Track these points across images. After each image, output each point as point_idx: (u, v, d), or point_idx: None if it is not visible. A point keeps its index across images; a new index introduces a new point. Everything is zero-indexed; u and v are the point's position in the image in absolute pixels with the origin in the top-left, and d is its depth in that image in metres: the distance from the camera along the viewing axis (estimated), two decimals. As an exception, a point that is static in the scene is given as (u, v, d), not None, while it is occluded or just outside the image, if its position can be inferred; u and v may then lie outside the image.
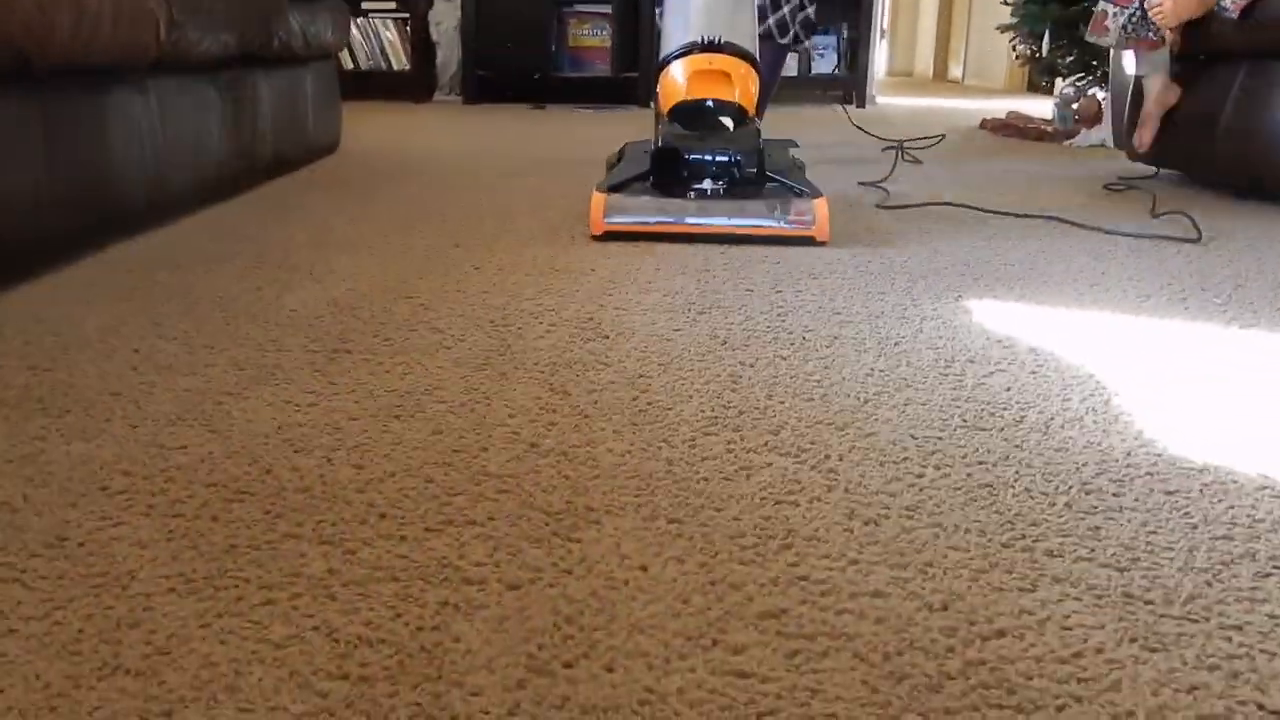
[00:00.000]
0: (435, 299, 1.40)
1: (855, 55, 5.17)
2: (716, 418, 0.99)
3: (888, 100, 5.86)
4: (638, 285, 1.50)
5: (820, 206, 1.77)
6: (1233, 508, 0.81)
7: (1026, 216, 2.10)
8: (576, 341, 1.22)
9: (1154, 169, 2.70)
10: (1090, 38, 2.69)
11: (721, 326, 1.29)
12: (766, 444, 0.92)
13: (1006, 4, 4.28)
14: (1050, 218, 2.08)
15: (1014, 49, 4.59)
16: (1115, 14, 2.54)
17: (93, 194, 1.60)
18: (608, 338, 1.24)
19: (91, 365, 1.10)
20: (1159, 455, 0.91)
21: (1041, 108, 4.53)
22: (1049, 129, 3.91)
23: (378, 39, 4.92)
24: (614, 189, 1.84)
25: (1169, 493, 0.84)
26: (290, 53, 2.44)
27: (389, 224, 1.94)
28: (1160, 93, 2.51)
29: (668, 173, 1.88)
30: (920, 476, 0.86)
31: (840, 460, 0.89)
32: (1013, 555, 0.73)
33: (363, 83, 4.90)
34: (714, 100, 1.90)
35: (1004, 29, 4.38)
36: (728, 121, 1.92)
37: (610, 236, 1.79)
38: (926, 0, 9.23)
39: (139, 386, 1.04)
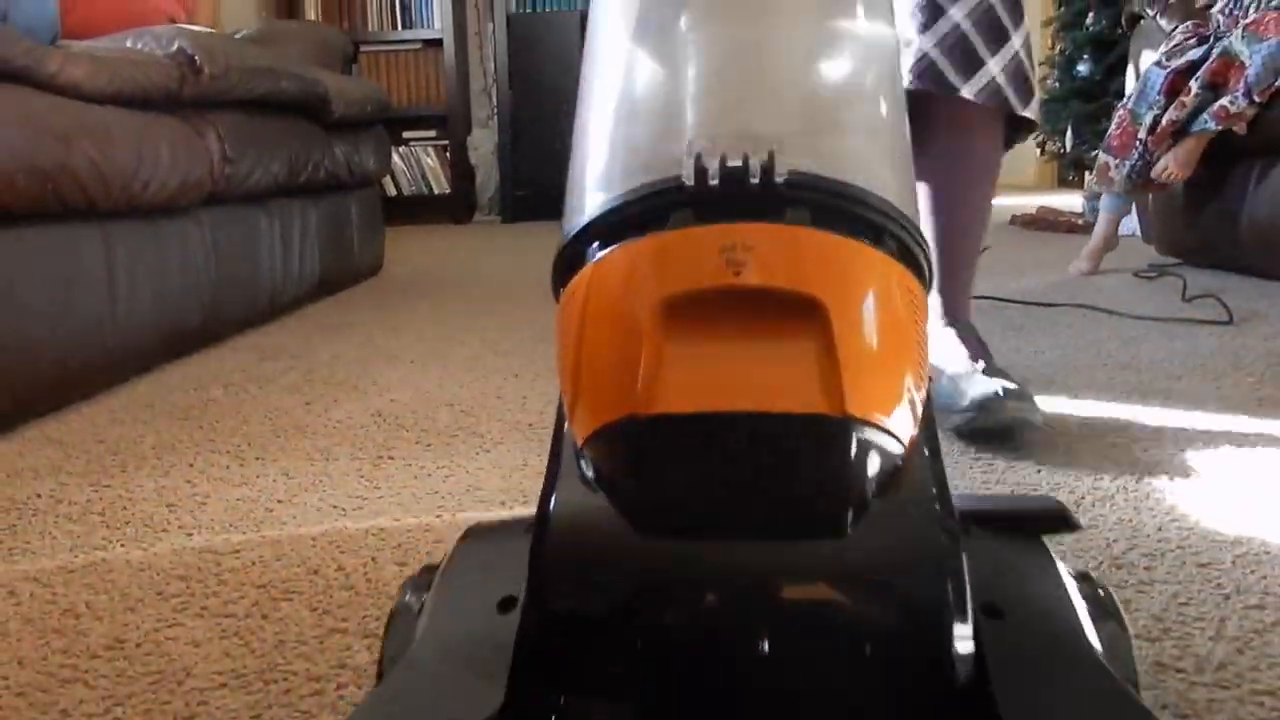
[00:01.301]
0: (475, 405, 1.45)
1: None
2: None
3: (919, 201, 5.94)
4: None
5: None
6: (1265, 577, 0.82)
7: (1055, 305, 2.12)
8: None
9: (1177, 260, 2.73)
10: (1098, 187, 2.76)
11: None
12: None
13: (1029, 103, 4.38)
14: (1080, 305, 2.10)
15: (1039, 147, 4.67)
16: (1117, 165, 2.60)
17: (151, 320, 1.68)
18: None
19: (149, 480, 1.15)
20: (1190, 529, 0.92)
21: (1072, 202, 4.58)
22: (1079, 221, 3.95)
23: (419, 165, 5.12)
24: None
25: (1201, 565, 0.84)
26: (335, 181, 2.56)
27: (431, 338, 2.00)
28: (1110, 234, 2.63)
29: None
30: (951, 557, 0.87)
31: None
32: (1043, 629, 0.74)
33: (406, 207, 5.08)
34: (764, 418, 0.43)
35: (1028, 127, 4.47)
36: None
37: None
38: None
39: (193, 498, 1.08)
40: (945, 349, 1.29)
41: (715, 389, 0.43)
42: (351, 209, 2.73)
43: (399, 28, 5.09)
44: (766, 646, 0.41)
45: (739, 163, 0.44)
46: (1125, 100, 2.69)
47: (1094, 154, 4.11)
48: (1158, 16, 3.09)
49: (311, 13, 5.09)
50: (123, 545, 0.95)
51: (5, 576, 0.89)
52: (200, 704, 0.66)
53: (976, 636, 0.42)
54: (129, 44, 1.82)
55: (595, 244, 0.47)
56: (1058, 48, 4.75)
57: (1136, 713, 0.41)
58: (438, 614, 0.50)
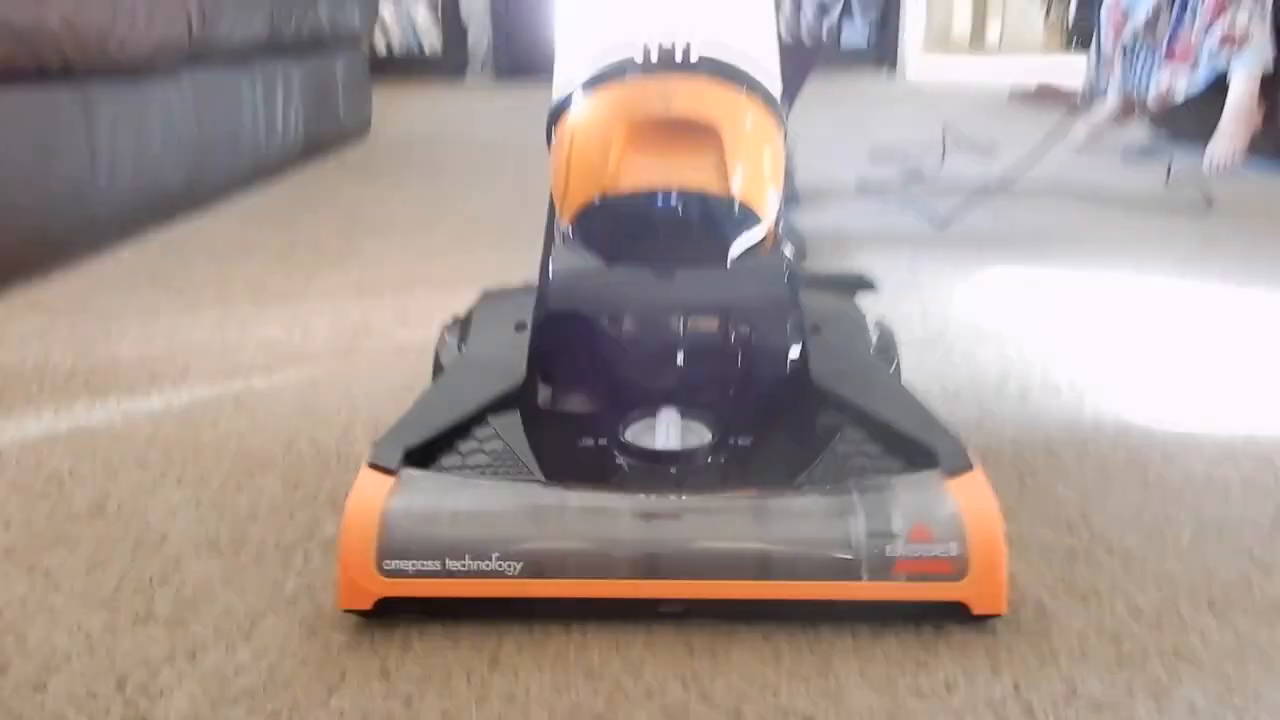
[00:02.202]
0: (455, 280, 1.47)
1: (885, 22, 5.15)
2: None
3: (922, 70, 5.82)
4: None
5: (973, 501, 0.63)
6: (1186, 468, 0.86)
7: (1036, 194, 2.12)
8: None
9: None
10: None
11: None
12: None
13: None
14: (1062, 191, 2.11)
15: (1046, 10, 4.56)
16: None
17: (133, 183, 1.69)
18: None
19: (132, 348, 1.19)
20: (1127, 422, 0.96)
21: (1076, 69, 4.49)
22: (1077, 101, 3.88)
23: (410, 21, 5.00)
24: (418, 455, 0.68)
25: (1130, 455, 0.89)
26: (319, 39, 2.51)
27: (416, 207, 2.01)
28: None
29: (566, 390, 0.81)
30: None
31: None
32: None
33: (397, 66, 4.98)
34: (678, 193, 0.71)
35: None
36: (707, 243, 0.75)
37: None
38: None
39: (174, 367, 1.12)
40: None
41: (654, 176, 0.70)
42: (337, 68, 2.68)
43: None
44: (682, 331, 0.79)
45: (669, 47, 0.70)
46: None
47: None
48: None
49: None
50: (105, 413, 0.99)
51: (-8, 441, 0.93)
52: (175, 570, 0.71)
53: (803, 340, 0.78)
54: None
55: (571, 98, 0.73)
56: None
57: (897, 388, 0.76)
58: (473, 335, 0.85)
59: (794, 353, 0.78)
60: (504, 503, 0.64)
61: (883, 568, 0.60)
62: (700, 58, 0.71)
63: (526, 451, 0.69)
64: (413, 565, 0.61)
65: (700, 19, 0.73)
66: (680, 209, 0.70)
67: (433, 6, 4.98)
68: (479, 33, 5.09)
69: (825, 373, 0.75)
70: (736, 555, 0.62)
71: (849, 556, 0.60)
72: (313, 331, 1.24)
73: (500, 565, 0.61)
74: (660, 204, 0.70)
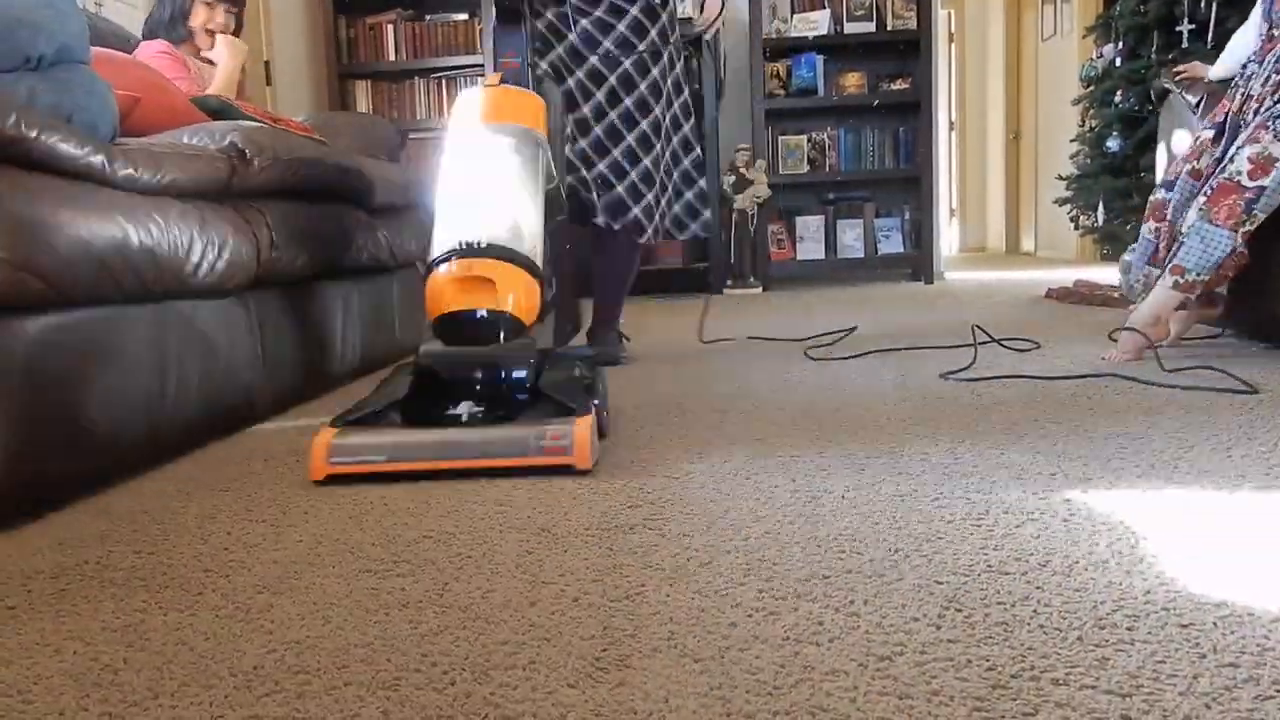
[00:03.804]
0: (499, 474, 1.50)
1: (920, 234, 5.33)
2: (750, 569, 1.05)
3: (957, 275, 5.98)
4: (688, 457, 1.59)
5: (580, 428, 1.49)
6: (1244, 638, 0.84)
7: (1075, 378, 2.14)
8: (625, 509, 1.31)
9: (1218, 329, 2.73)
10: (1142, 299, 2.67)
11: (765, 489, 1.37)
12: (795, 591, 0.98)
13: (1061, 179, 4.44)
14: (1100, 375, 2.13)
15: (1074, 222, 4.70)
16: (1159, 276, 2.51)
17: (198, 399, 1.77)
18: (654, 504, 1.32)
19: (189, 547, 1.22)
20: (1178, 593, 0.95)
21: (1111, 275, 4.59)
22: (1115, 295, 3.96)
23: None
24: (352, 422, 1.58)
25: (1182, 625, 0.87)
26: (378, 263, 2.67)
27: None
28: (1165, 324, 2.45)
29: (426, 398, 1.64)
30: (940, 617, 0.91)
31: (865, 605, 0.95)
32: (1019, 684, 0.77)
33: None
34: (481, 310, 1.70)
35: (1060, 202, 4.51)
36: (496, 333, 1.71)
37: (343, 478, 1.50)
38: (994, 178, 9.49)
39: (229, 564, 1.15)
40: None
41: (467, 303, 1.70)
42: (394, 290, 2.83)
43: (445, 115, 5.29)
44: (476, 379, 1.66)
45: (473, 241, 1.72)
46: (1159, 190, 2.67)
47: (1128, 227, 4.16)
48: (1184, 92, 3.15)
49: (363, 104, 5.31)
50: (160, 607, 1.02)
51: (52, 635, 0.96)
52: (222, 748, 0.72)
53: (537, 375, 1.68)
54: (185, 139, 1.95)
55: (433, 267, 1.74)
56: (1088, 124, 4.82)
57: (577, 389, 1.66)
58: (388, 380, 1.73)
59: (529, 379, 1.67)
60: (383, 436, 1.54)
61: (538, 450, 1.48)
62: (488, 246, 1.72)
63: (399, 421, 1.61)
64: (344, 460, 1.50)
65: (491, 222, 1.75)
66: (481, 319, 1.70)
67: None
68: (528, 257, 5.35)
69: (548, 384, 1.66)
70: (480, 448, 1.50)
71: (524, 446, 1.49)
72: (364, 526, 1.27)
73: (378, 458, 1.51)
74: (471, 317, 1.70)
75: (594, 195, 2.57)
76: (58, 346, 1.42)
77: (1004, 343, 2.69)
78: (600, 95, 2.53)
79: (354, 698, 0.80)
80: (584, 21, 2.50)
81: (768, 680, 0.80)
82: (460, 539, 1.21)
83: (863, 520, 1.21)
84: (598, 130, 2.55)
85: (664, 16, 2.57)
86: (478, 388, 1.65)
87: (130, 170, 1.62)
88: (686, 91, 2.72)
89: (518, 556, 1.13)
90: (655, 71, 2.55)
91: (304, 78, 5.13)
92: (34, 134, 1.40)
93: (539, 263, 1.77)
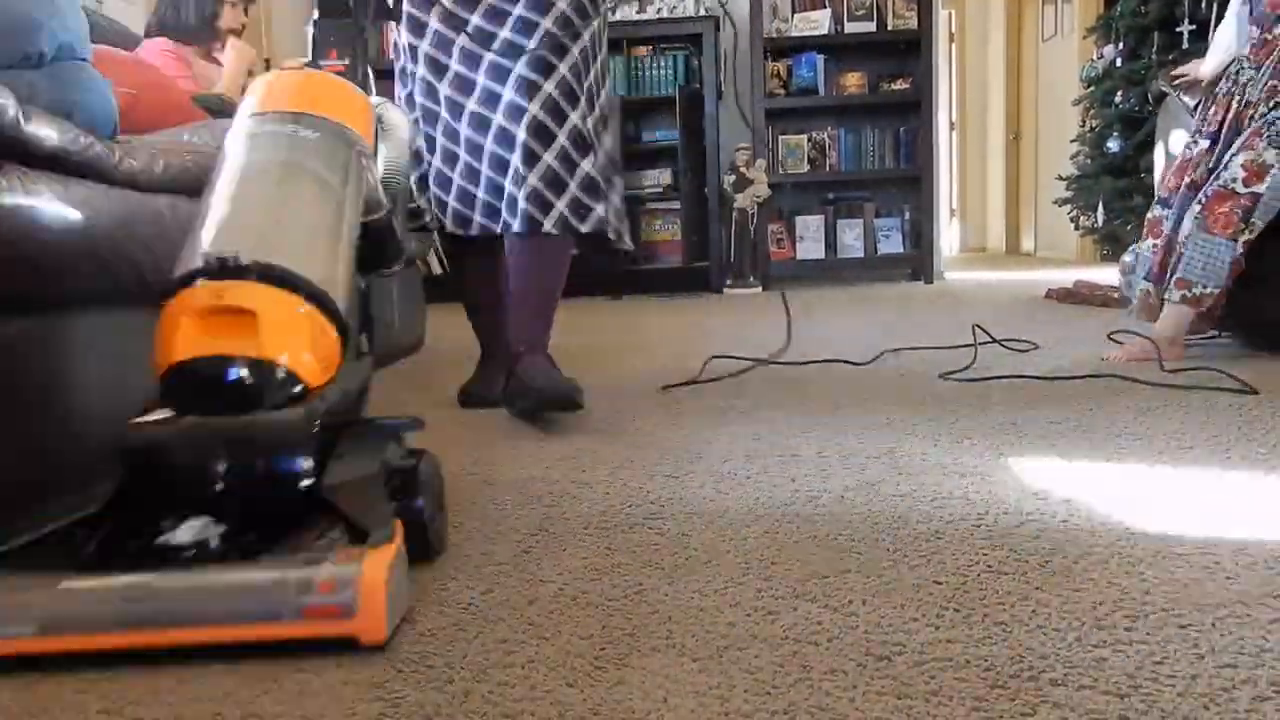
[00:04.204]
0: (498, 472, 1.51)
1: (920, 234, 5.33)
2: (749, 569, 1.05)
3: (957, 275, 5.98)
4: (688, 456, 1.59)
5: (373, 570, 0.89)
6: (1242, 639, 0.84)
7: (1074, 378, 2.15)
8: (625, 508, 1.31)
9: (1215, 331, 2.73)
10: (1139, 317, 2.65)
11: (765, 488, 1.37)
12: (794, 590, 0.98)
13: (1062, 179, 4.44)
14: (1100, 376, 2.13)
15: (1074, 222, 4.70)
16: (1159, 290, 2.51)
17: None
18: (653, 503, 1.32)
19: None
20: (1177, 594, 0.95)
21: (1111, 276, 4.59)
22: (1115, 295, 3.96)
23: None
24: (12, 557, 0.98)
25: (1180, 626, 0.87)
26: (378, 262, 2.66)
27: (461, 413, 2.08)
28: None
29: (140, 506, 1.02)
30: (939, 617, 0.91)
31: (863, 604, 0.95)
32: (1018, 684, 0.77)
33: (449, 285, 5.23)
34: (227, 358, 1.05)
35: (1060, 203, 4.51)
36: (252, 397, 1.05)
37: None
38: (994, 178, 9.49)
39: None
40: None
41: (210, 346, 1.05)
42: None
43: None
44: (222, 460, 1.02)
45: (228, 257, 1.06)
46: (1156, 207, 2.65)
47: (1129, 228, 4.16)
48: (1181, 94, 3.15)
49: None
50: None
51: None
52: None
53: (319, 459, 1.05)
54: (186, 137, 1.95)
55: (172, 291, 1.10)
56: (1088, 125, 4.82)
57: (375, 496, 1.04)
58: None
59: (305, 473, 1.04)
60: (37, 590, 0.92)
61: (294, 612, 0.87)
62: (251, 264, 1.08)
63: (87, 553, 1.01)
64: None
65: (262, 230, 1.15)
66: (231, 374, 1.06)
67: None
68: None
69: (330, 486, 1.03)
70: (196, 608, 0.90)
71: (273, 603, 0.88)
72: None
73: (23, 630, 0.88)
74: (215, 370, 1.06)
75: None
76: (63, 345, 1.42)
77: (1004, 343, 2.69)
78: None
79: (352, 697, 0.80)
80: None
81: (766, 680, 0.80)
82: (459, 538, 1.21)
83: (861, 520, 1.21)
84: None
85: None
86: (218, 489, 1.02)
87: (131, 168, 1.62)
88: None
89: (516, 555, 1.13)
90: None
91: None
92: (33, 130, 1.39)
93: (339, 301, 1.12)
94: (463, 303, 2.30)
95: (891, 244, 5.45)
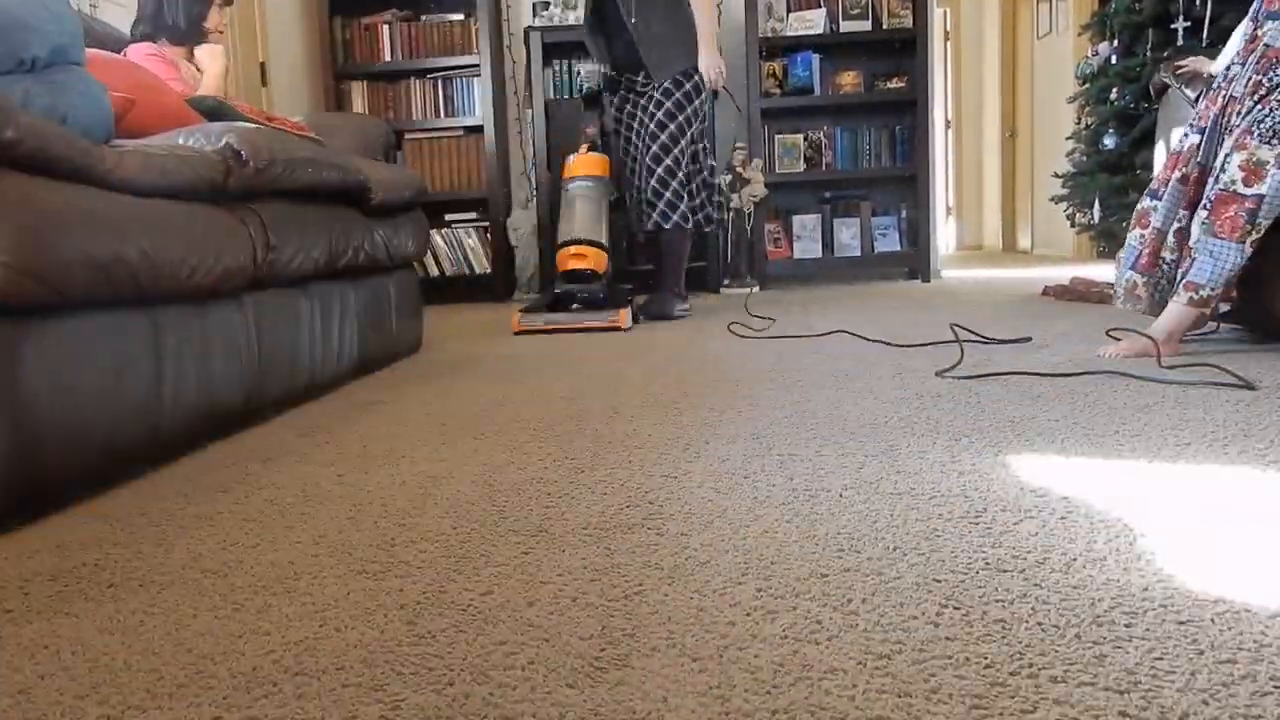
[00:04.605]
0: (497, 475, 1.50)
1: (917, 232, 5.34)
2: (748, 568, 1.05)
3: (954, 273, 5.98)
4: (686, 457, 1.59)
5: (623, 312, 3.53)
6: (1241, 634, 0.84)
7: (1072, 375, 2.15)
8: (624, 508, 1.31)
9: (1214, 325, 2.73)
10: (1124, 305, 2.67)
11: (764, 486, 1.37)
12: (793, 590, 0.98)
13: (1058, 176, 4.44)
14: (1097, 372, 2.13)
15: (1070, 219, 4.70)
16: (1145, 282, 2.55)
17: (195, 401, 1.77)
18: (652, 504, 1.32)
19: (187, 549, 1.22)
20: (1175, 589, 0.95)
21: (1107, 272, 4.60)
22: (1111, 292, 3.96)
23: (461, 246, 5.27)
24: (525, 310, 3.62)
25: (1180, 622, 0.87)
26: (375, 264, 2.67)
27: (460, 415, 2.07)
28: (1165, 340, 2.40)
29: (560, 301, 3.68)
30: (938, 615, 0.91)
31: (863, 603, 0.95)
32: (1018, 682, 0.78)
33: (448, 286, 5.23)
34: (582, 269, 3.70)
35: (1057, 200, 4.51)
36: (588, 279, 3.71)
37: (527, 333, 3.39)
38: (990, 176, 9.49)
39: (227, 565, 1.15)
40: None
41: (575, 264, 3.85)
42: (390, 290, 2.83)
43: (441, 116, 5.30)
44: (579, 294, 3.86)
45: (579, 236, 3.92)
46: (1145, 199, 2.66)
47: (1124, 225, 4.15)
48: (1183, 86, 3.14)
49: (359, 104, 5.31)
50: (159, 609, 1.02)
51: (50, 637, 0.96)
52: (221, 750, 0.72)
53: (605, 295, 3.88)
54: (180, 140, 1.95)
55: (559, 246, 3.97)
56: (1083, 122, 4.82)
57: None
58: (541, 300, 4.11)
59: (603, 295, 3.85)
60: (542, 315, 3.71)
61: (606, 320, 3.68)
62: (583, 238, 3.87)
63: (549, 309, 3.82)
64: (524, 322, 3.65)
65: (586, 227, 3.91)
66: (582, 272, 3.82)
67: (482, 230, 5.27)
68: (526, 255, 5.35)
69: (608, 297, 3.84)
70: None
71: (602, 319, 3.67)
72: (361, 526, 1.27)
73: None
74: (576, 271, 3.81)
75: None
76: (56, 349, 1.42)
77: (993, 341, 2.69)
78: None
79: (352, 699, 0.80)
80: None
81: (766, 679, 0.80)
82: (458, 540, 1.21)
83: (860, 519, 1.21)
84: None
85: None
86: (581, 296, 3.70)
87: (126, 173, 1.62)
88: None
89: (515, 557, 1.13)
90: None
91: (300, 78, 5.12)
92: (31, 138, 1.39)
93: (606, 244, 3.78)
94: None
95: (888, 242, 5.45)
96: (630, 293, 4.15)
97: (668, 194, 3.77)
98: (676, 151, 3.75)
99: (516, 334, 3.44)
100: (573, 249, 3.68)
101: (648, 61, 3.72)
